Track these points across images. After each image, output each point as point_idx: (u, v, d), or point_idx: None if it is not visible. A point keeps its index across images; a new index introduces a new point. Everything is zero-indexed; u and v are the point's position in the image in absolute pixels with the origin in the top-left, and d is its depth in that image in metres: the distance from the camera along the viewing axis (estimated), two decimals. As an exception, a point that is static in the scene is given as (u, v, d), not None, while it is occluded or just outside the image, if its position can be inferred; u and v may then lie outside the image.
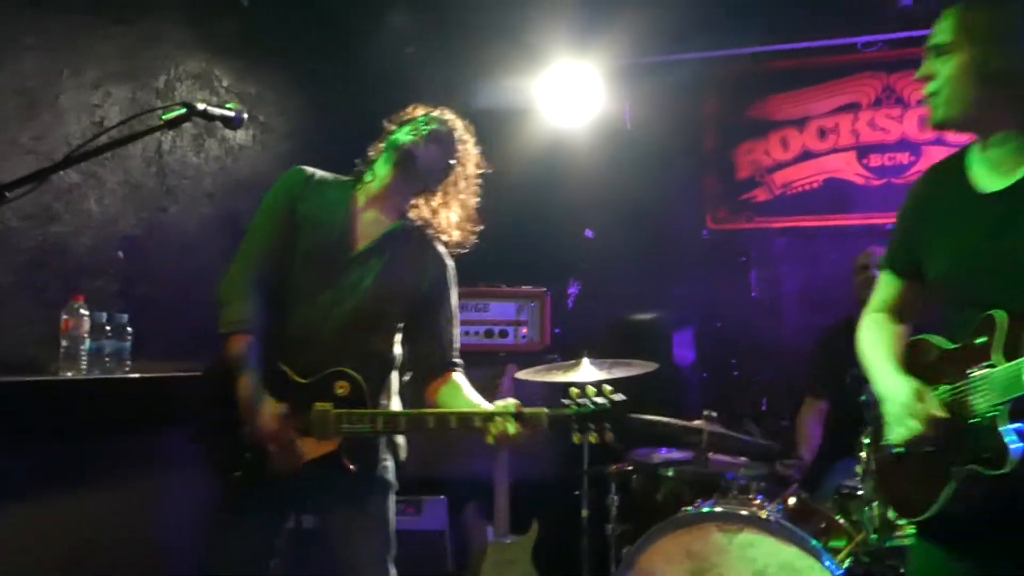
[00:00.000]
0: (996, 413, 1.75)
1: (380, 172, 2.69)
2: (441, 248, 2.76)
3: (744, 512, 3.12)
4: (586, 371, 3.66)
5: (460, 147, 2.76)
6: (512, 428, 2.41)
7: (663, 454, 3.95)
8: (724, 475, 3.48)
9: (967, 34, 1.89)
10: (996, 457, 1.73)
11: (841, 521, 3.26)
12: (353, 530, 2.61)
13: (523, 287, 4.69)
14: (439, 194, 2.76)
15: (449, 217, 2.75)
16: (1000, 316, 1.80)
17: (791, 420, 4.36)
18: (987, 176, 1.95)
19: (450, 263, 2.77)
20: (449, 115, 2.77)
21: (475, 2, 4.54)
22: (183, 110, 2.00)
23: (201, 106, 2.04)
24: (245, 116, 2.18)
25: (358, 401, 2.49)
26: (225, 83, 3.85)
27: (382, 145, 2.73)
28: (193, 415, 2.59)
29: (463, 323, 4.71)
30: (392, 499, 2.71)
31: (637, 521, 3.62)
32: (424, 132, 2.67)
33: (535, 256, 5.05)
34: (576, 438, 2.44)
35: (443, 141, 2.71)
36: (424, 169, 2.67)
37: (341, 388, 2.49)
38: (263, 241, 2.60)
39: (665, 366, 4.24)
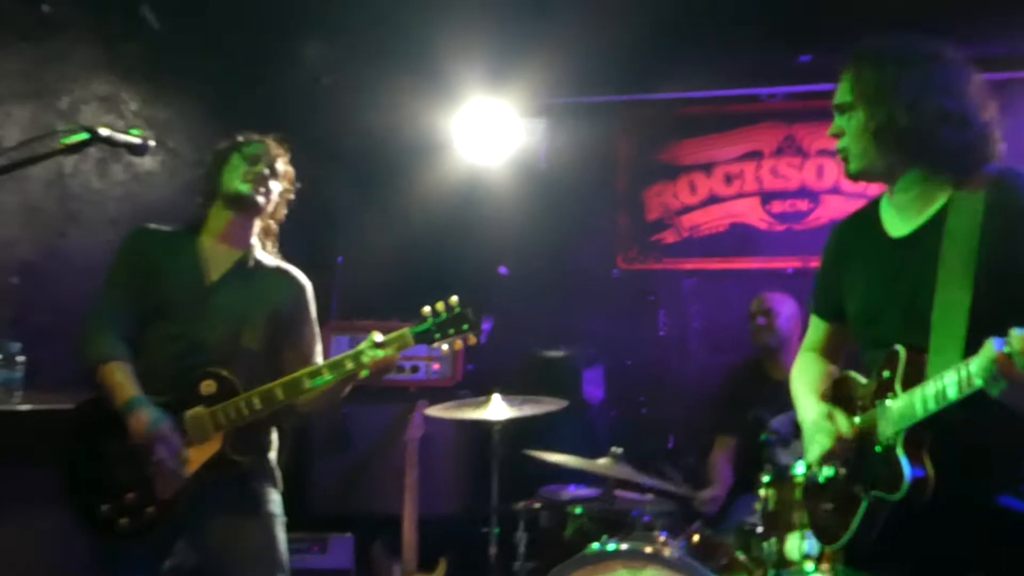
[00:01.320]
0: (893, 441, 1.85)
1: (220, 216, 2.76)
2: (295, 271, 2.88)
3: (649, 550, 3.16)
4: (497, 407, 3.66)
5: (286, 170, 2.87)
6: (380, 353, 2.55)
7: (571, 491, 3.97)
8: (630, 512, 3.52)
9: (860, 94, 2.01)
10: (893, 482, 1.83)
11: (742, 557, 3.33)
12: (235, 558, 2.59)
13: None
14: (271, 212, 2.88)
15: (275, 225, 2.91)
16: (901, 350, 1.91)
17: (698, 458, 4.44)
18: (895, 221, 2.06)
19: (307, 283, 2.88)
20: (269, 143, 2.84)
21: (391, 36, 4.55)
22: (85, 135, 1.95)
23: (105, 132, 1.99)
24: (152, 144, 2.13)
25: (229, 392, 2.54)
26: (133, 107, 3.75)
27: (216, 189, 2.77)
28: (60, 457, 2.59)
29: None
30: (280, 528, 2.69)
31: (545, 558, 3.62)
32: (258, 173, 2.74)
33: (449, 291, 5.01)
34: (443, 349, 2.64)
35: (276, 176, 2.81)
36: (264, 209, 2.79)
37: (207, 388, 2.54)
38: (117, 293, 2.69)
39: (575, 403, 4.29)
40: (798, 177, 5.06)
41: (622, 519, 3.53)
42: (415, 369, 4.61)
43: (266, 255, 2.86)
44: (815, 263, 5.18)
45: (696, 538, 3.43)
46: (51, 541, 3.14)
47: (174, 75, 3.96)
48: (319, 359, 2.81)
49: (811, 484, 2.14)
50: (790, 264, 4.98)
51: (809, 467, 2.12)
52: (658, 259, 5.27)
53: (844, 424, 1.98)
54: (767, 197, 5.11)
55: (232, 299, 2.69)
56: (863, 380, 2.05)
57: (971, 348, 1.75)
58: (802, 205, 5.04)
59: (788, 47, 4.75)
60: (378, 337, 2.57)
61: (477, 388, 4.33)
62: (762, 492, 3.16)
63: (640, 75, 5.05)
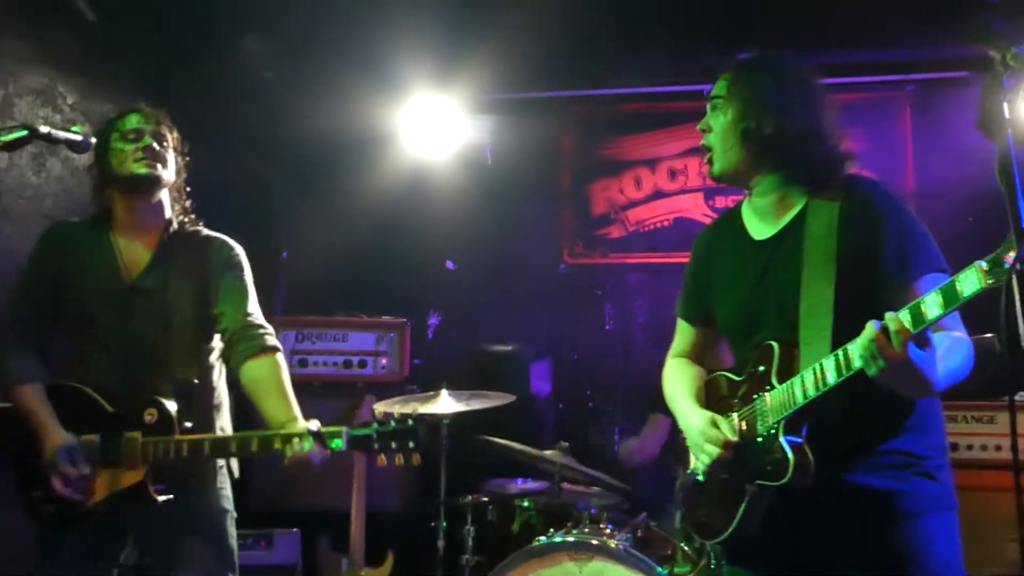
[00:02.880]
0: (775, 429, 1.97)
1: (125, 204, 2.67)
2: (219, 235, 2.79)
3: (595, 541, 3.20)
4: (445, 402, 3.67)
5: (176, 137, 2.75)
6: (308, 446, 2.42)
7: (519, 485, 4.00)
8: (577, 505, 3.56)
9: (735, 92, 2.15)
10: (778, 468, 1.94)
11: (686, 548, 3.39)
12: (182, 554, 2.56)
13: (383, 317, 4.66)
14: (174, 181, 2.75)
15: (183, 191, 2.77)
16: (774, 345, 2.03)
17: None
18: (757, 225, 2.20)
19: (234, 244, 2.78)
20: (144, 111, 2.70)
21: (335, 31, 4.52)
22: (24, 132, 1.91)
23: (44, 128, 1.95)
24: (93, 140, 2.09)
25: (166, 429, 2.49)
26: (70, 100, 3.67)
27: (109, 177, 2.64)
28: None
29: (322, 352, 4.69)
30: (230, 524, 2.67)
31: (492, 552, 3.65)
32: (146, 146, 2.61)
33: (395, 286, 5.04)
34: (381, 460, 2.49)
35: (164, 141, 2.68)
36: (166, 181, 2.68)
37: (150, 415, 2.49)
38: (28, 304, 2.63)
39: (522, 397, 4.32)
40: (740, 173, 5.15)
41: (569, 512, 3.58)
42: (363, 364, 4.59)
43: (187, 226, 2.76)
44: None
45: (640, 530, 3.49)
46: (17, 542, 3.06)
47: (111, 68, 3.88)
48: (261, 321, 2.70)
49: (690, 483, 2.23)
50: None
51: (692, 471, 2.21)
52: (604, 254, 5.32)
53: (729, 429, 2.08)
54: (710, 193, 5.19)
55: (155, 297, 2.61)
56: (736, 377, 2.16)
57: (837, 339, 1.91)
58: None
59: (729, 44, 4.81)
60: (313, 426, 2.47)
61: (424, 383, 4.34)
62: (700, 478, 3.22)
63: (584, 71, 5.09)
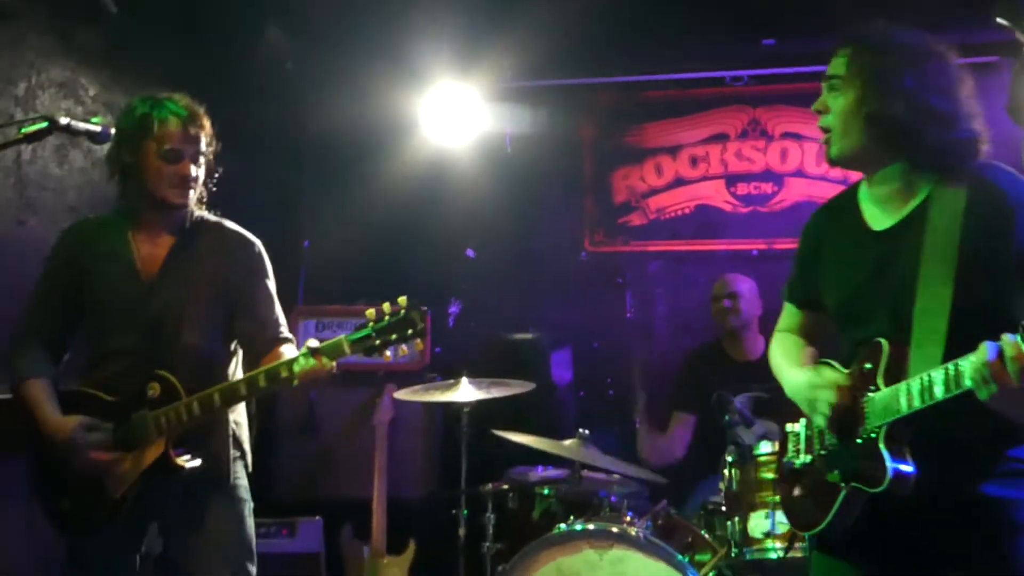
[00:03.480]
0: (876, 434, 1.87)
1: (150, 214, 2.65)
2: (241, 231, 2.76)
3: (615, 529, 3.20)
4: (465, 390, 3.68)
5: (207, 124, 2.66)
6: (312, 362, 2.42)
7: (539, 472, 4.00)
8: (597, 493, 3.56)
9: (856, 72, 1.98)
10: (875, 475, 1.85)
11: (706, 536, 3.39)
12: (201, 543, 2.58)
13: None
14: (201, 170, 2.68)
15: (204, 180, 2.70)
16: (884, 344, 1.92)
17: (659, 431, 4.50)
18: (876, 214, 2.05)
19: (256, 242, 2.76)
20: (185, 121, 2.59)
21: (356, 21, 4.52)
22: (44, 124, 1.92)
23: (64, 120, 1.97)
24: (112, 131, 2.10)
25: (172, 396, 2.49)
26: (91, 92, 3.69)
27: (139, 187, 2.59)
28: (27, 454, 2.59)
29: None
30: (247, 513, 2.68)
31: (513, 540, 3.66)
32: (185, 176, 2.57)
33: (416, 274, 5.04)
34: (386, 356, 2.45)
35: (201, 155, 2.62)
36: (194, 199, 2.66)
37: (152, 390, 2.50)
38: (45, 306, 2.65)
39: (543, 385, 4.32)
40: (762, 160, 5.11)
41: (589, 500, 3.57)
42: (383, 352, 4.60)
43: (209, 217, 2.74)
44: (779, 245, 5.28)
45: (662, 518, 3.48)
46: (15, 534, 3.11)
47: (133, 60, 3.90)
48: (281, 321, 2.73)
49: (787, 470, 2.15)
50: (755, 246, 5.03)
51: (788, 451, 2.13)
52: (625, 241, 5.30)
53: (838, 376, 1.98)
54: (732, 179, 5.15)
55: (172, 293, 2.60)
56: (843, 369, 2.04)
57: (951, 343, 1.79)
58: (767, 188, 5.09)
59: (752, 31, 4.78)
60: (312, 343, 2.46)
61: (444, 371, 4.35)
62: (726, 472, 3.21)
63: (605, 58, 5.06)
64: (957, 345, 1.74)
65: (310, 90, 5.00)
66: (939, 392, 1.74)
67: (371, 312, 2.43)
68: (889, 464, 1.82)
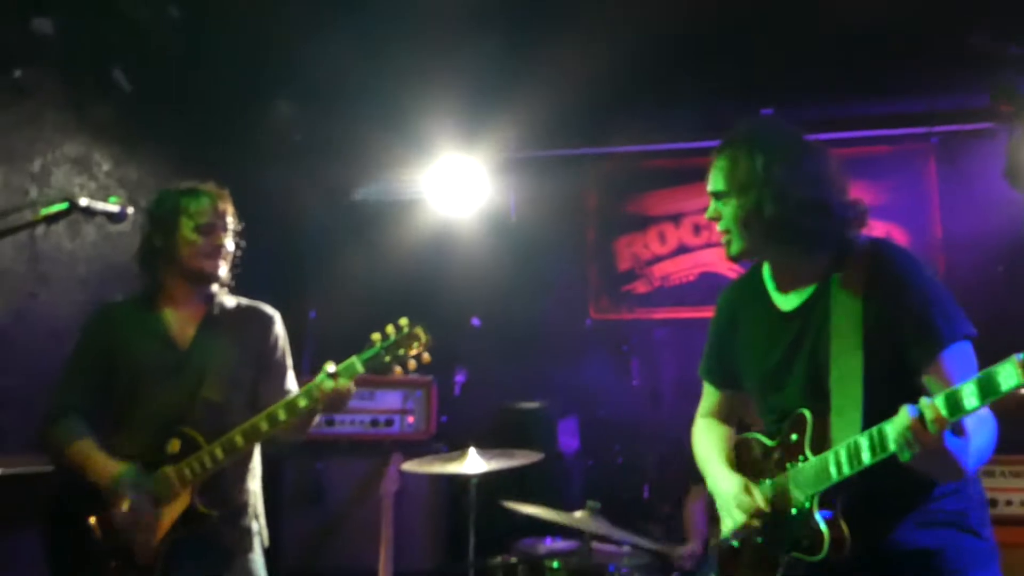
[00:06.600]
0: (809, 503, 1.95)
1: (180, 286, 2.75)
2: (262, 305, 2.89)
3: (627, 602, 3.14)
4: (472, 461, 3.64)
5: (230, 204, 2.79)
6: (330, 385, 2.52)
7: (548, 544, 3.94)
8: (608, 566, 3.50)
9: (735, 183, 2.09)
10: (813, 544, 1.92)
11: (720, 608, 3.31)
12: None
13: (409, 375, 4.65)
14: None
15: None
16: (807, 413, 2.02)
17: (673, 506, 4.43)
18: (780, 296, 2.18)
19: (274, 314, 2.88)
20: (215, 198, 2.74)
21: (361, 95, 4.62)
22: (64, 205, 1.95)
23: (84, 201, 2.00)
24: (130, 211, 2.14)
25: (193, 448, 2.56)
26: (105, 168, 3.76)
27: (172, 260, 2.70)
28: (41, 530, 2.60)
29: (349, 411, 4.68)
30: None
31: (523, 613, 3.59)
32: (217, 246, 2.70)
33: (421, 345, 5.04)
34: (398, 371, 2.60)
35: (228, 230, 2.75)
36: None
37: (172, 447, 2.57)
38: (81, 377, 2.71)
39: (550, 455, 4.27)
40: (764, 226, 5.14)
41: (600, 573, 3.51)
42: (389, 423, 4.59)
43: (228, 297, 2.85)
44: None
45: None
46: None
47: (145, 135, 3.98)
48: (292, 387, 2.84)
49: (726, 548, 2.20)
50: (758, 312, 5.04)
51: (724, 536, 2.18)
52: (630, 309, 5.31)
53: (761, 498, 2.06)
54: (735, 246, 5.18)
55: (203, 359, 2.70)
56: (769, 442, 2.13)
57: (868, 408, 1.90)
58: (769, 255, 5.12)
59: (751, 100, 4.87)
60: (330, 368, 2.56)
61: (451, 440, 4.32)
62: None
63: (607, 128, 5.15)
64: (874, 409, 1.86)
65: (317, 162, 5.08)
66: (866, 457, 1.84)
67: (376, 335, 2.60)
68: (825, 531, 1.90)
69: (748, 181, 2.06)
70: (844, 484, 1.90)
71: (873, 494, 1.91)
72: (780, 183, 2.03)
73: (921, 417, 1.69)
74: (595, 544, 3.66)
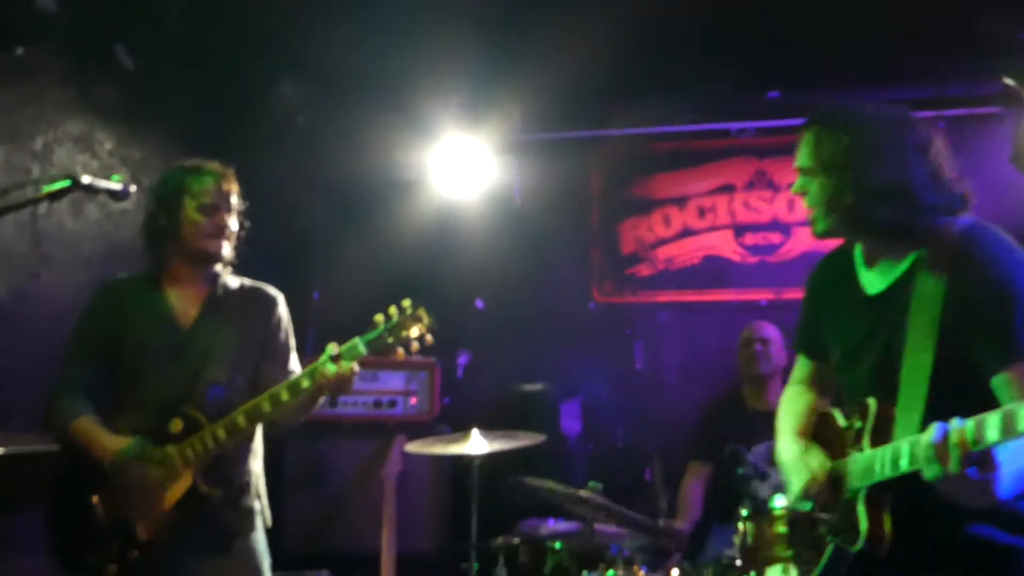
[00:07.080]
0: (855, 495, 1.92)
1: (183, 266, 2.74)
2: (265, 286, 2.88)
3: (629, 584, 3.15)
4: (475, 443, 3.65)
5: (235, 183, 2.78)
6: (332, 368, 2.52)
7: (551, 525, 3.96)
8: (609, 547, 3.52)
9: (820, 162, 2.04)
10: (851, 535, 1.90)
11: (721, 589, 3.33)
12: None
13: (412, 357, 4.66)
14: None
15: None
16: (872, 404, 1.96)
17: (674, 490, 4.44)
18: (869, 276, 2.10)
19: (277, 295, 2.88)
20: (219, 178, 2.72)
21: (366, 75, 4.60)
22: (67, 182, 1.95)
23: (86, 179, 1.99)
24: (132, 189, 2.13)
25: (195, 429, 2.56)
26: (108, 147, 3.75)
27: (175, 239, 2.69)
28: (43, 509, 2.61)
29: (352, 392, 4.66)
30: (266, 567, 2.72)
31: (524, 594, 3.61)
32: (221, 226, 2.68)
33: (425, 326, 5.04)
34: (400, 354, 2.61)
35: (231, 210, 2.73)
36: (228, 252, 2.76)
37: (175, 427, 2.57)
38: (84, 357, 2.71)
39: (553, 437, 4.28)
40: (770, 210, 5.14)
41: (602, 554, 3.53)
42: (392, 404, 4.59)
43: (232, 277, 2.85)
44: (788, 294, 5.27)
45: (675, 572, 3.43)
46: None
47: (148, 114, 3.97)
48: (296, 368, 2.83)
49: (795, 515, 2.18)
50: (763, 296, 5.03)
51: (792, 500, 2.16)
52: (634, 292, 5.31)
53: (818, 466, 2.04)
54: (740, 230, 5.17)
55: (206, 339, 2.70)
56: (843, 423, 2.09)
57: (930, 410, 1.83)
58: (774, 238, 5.11)
59: (757, 83, 4.84)
60: (333, 349, 2.57)
61: (454, 422, 4.33)
62: (740, 526, 3.17)
63: (612, 111, 5.12)
64: (938, 412, 1.74)
65: (321, 143, 5.06)
66: (904, 464, 1.79)
67: (379, 317, 2.61)
68: (863, 527, 1.87)
69: (831, 162, 2.01)
70: (893, 483, 1.84)
71: (921, 498, 1.81)
72: (861, 169, 1.96)
73: (946, 439, 1.63)
74: (597, 525, 3.67)
